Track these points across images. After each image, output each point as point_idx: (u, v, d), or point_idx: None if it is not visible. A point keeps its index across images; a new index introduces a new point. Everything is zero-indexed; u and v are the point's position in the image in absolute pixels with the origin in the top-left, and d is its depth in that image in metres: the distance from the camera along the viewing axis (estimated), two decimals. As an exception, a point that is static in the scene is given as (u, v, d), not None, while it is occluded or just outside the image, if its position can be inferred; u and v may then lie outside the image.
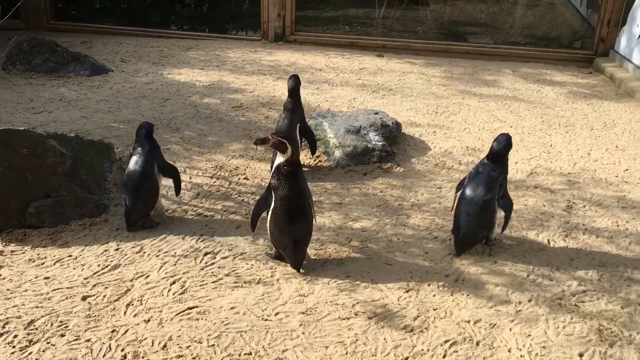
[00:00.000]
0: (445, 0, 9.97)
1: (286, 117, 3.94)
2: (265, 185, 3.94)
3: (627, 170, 4.39)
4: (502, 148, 3.27)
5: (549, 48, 8.16)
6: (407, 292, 2.94)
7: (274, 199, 3.00)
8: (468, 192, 3.27)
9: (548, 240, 3.45)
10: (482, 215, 3.23)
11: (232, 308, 2.78)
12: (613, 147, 4.83)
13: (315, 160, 4.38)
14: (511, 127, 5.20)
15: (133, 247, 3.25)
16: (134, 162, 3.42)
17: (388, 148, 4.41)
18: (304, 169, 4.11)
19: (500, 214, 3.28)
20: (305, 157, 4.42)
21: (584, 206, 3.85)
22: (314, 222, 3.13)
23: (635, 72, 6.62)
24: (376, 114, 4.78)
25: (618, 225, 3.63)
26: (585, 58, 7.55)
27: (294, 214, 3.00)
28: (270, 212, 3.03)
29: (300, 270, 3.05)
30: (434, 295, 2.92)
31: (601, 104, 5.99)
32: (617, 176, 4.28)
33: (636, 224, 3.65)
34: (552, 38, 9.28)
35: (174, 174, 3.60)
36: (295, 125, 3.91)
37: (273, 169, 3.05)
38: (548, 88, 6.45)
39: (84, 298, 2.82)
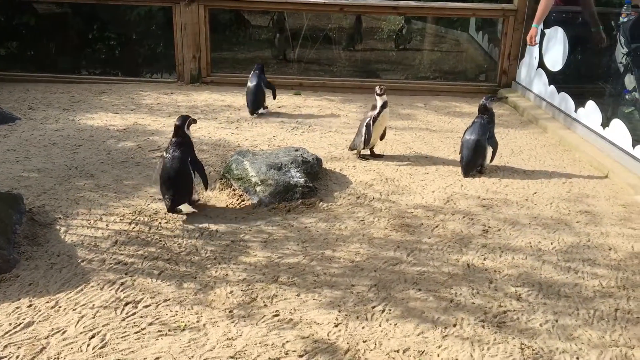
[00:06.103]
0: (359, 40, 10.36)
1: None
2: (189, 231, 3.91)
3: (535, 193, 4.64)
4: (483, 105, 5.03)
5: (457, 82, 8.61)
6: (336, 326, 2.93)
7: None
8: (467, 136, 4.96)
9: (468, 263, 3.56)
10: (477, 149, 4.90)
11: (157, 359, 2.67)
12: (521, 172, 5.11)
13: (238, 200, 4.34)
14: (426, 157, 5.39)
15: (47, 302, 3.06)
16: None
17: (310, 184, 4.44)
18: (226, 207, 4.22)
19: (490, 149, 4.99)
20: (228, 197, 4.38)
21: (499, 229, 4.02)
22: (195, 182, 4.06)
23: (536, 101, 7.08)
24: (296, 150, 4.83)
25: (531, 245, 3.81)
26: (490, 90, 7.99)
27: (167, 170, 3.95)
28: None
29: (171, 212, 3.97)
30: (362, 327, 2.93)
31: (507, 132, 6.34)
32: (527, 199, 4.52)
33: (548, 243, 3.85)
34: (459, 72, 9.82)
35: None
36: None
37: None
38: (458, 119, 6.76)
39: (-7, 361, 2.62)
